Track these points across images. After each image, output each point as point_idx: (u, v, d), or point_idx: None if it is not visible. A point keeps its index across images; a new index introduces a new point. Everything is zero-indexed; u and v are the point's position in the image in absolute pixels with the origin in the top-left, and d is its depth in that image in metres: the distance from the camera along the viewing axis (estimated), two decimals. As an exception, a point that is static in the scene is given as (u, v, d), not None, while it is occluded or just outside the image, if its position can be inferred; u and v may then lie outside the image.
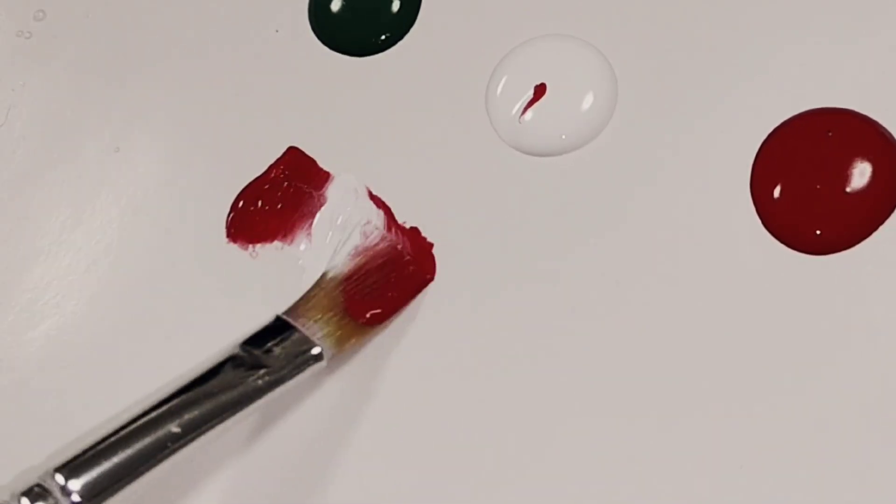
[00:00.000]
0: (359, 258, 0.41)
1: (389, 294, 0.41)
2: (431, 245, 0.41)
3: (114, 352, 0.43)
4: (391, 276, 0.41)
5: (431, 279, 0.41)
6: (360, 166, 0.43)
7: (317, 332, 0.39)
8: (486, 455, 0.38)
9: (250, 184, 0.44)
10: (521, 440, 0.38)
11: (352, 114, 0.44)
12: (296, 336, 0.39)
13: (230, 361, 0.38)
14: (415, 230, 0.41)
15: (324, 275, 0.41)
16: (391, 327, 0.41)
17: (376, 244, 0.41)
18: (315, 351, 0.39)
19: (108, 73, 0.47)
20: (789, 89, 0.39)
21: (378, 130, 0.43)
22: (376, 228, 0.41)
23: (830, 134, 0.38)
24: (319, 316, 0.40)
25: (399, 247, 0.41)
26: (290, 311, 0.40)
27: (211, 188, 0.44)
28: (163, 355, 0.42)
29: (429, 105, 0.43)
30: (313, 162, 0.43)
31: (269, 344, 0.38)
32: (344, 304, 0.40)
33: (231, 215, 0.44)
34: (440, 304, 0.40)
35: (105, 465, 0.35)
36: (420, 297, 0.41)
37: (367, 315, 0.40)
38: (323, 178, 0.43)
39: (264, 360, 0.38)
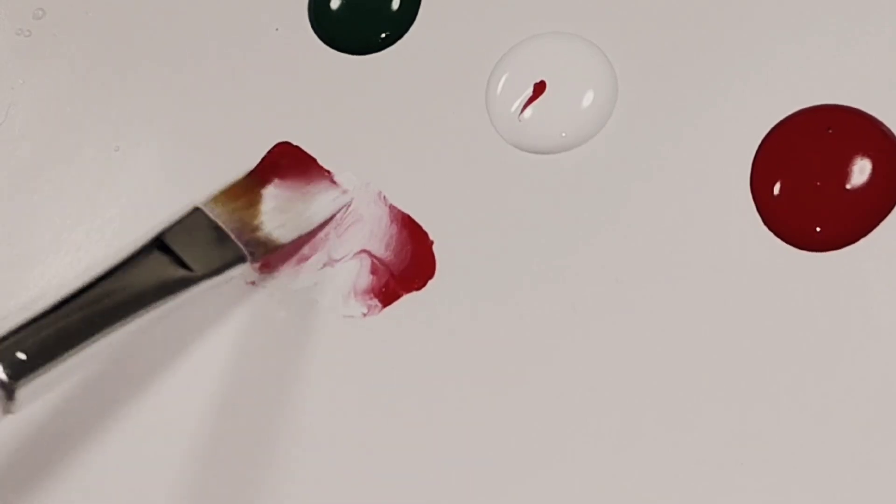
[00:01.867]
0: None
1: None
2: (431, 242, 0.41)
3: (113, 349, 0.43)
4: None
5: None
6: (360, 164, 0.43)
7: (227, 216, 0.40)
8: (485, 451, 0.38)
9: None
10: (521, 437, 0.38)
11: (352, 112, 0.44)
12: (214, 229, 0.39)
13: (146, 251, 0.38)
14: (417, 227, 0.41)
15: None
16: (391, 326, 0.41)
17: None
18: (238, 252, 0.39)
19: (108, 71, 0.47)
20: (789, 86, 0.39)
21: (378, 129, 0.43)
22: None
23: (830, 131, 0.38)
24: (233, 200, 0.41)
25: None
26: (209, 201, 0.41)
27: (210, 186, 0.44)
28: (163, 353, 0.42)
29: (429, 103, 0.43)
30: (313, 160, 0.43)
31: (188, 241, 0.39)
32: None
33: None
34: (439, 302, 0.40)
35: (25, 348, 0.35)
36: (419, 293, 0.41)
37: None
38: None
39: (184, 258, 0.39)
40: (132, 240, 0.39)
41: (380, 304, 0.41)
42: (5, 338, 0.35)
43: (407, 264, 0.41)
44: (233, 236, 0.40)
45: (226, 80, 0.46)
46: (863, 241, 0.37)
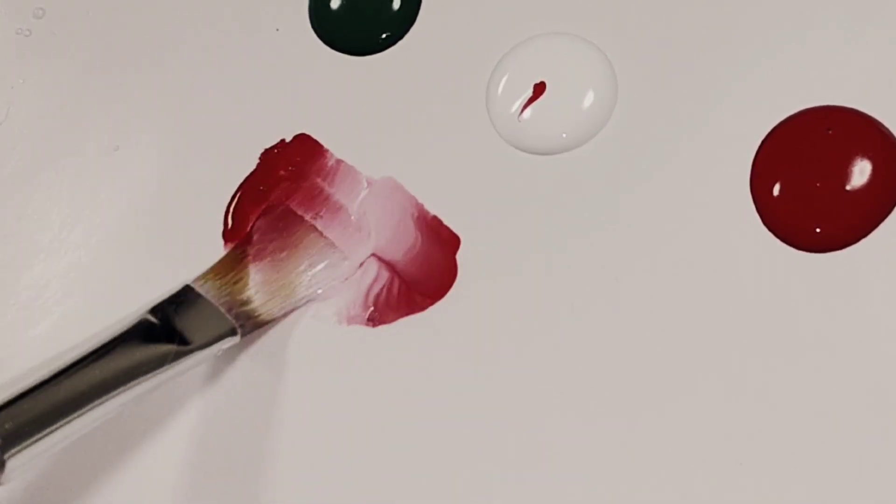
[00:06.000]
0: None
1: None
2: (458, 241, 0.41)
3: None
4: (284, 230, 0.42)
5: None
6: (360, 165, 0.43)
7: (216, 292, 0.40)
8: (486, 449, 0.38)
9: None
10: (519, 437, 0.38)
11: (352, 113, 0.44)
12: (204, 305, 0.39)
13: (138, 328, 0.38)
14: (447, 230, 0.41)
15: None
16: (390, 327, 0.41)
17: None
18: (228, 326, 0.39)
19: (108, 71, 0.47)
20: (789, 87, 0.39)
21: (378, 129, 0.43)
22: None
23: (830, 131, 0.38)
24: (221, 276, 0.40)
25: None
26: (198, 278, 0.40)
27: (210, 187, 0.44)
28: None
29: (429, 104, 0.43)
30: (301, 219, 0.43)
31: (179, 314, 0.39)
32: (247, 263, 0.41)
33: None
34: (437, 301, 0.40)
35: (16, 419, 0.35)
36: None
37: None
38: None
39: (176, 328, 0.39)
40: (123, 315, 0.39)
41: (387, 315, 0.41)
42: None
43: (424, 277, 0.41)
44: (223, 310, 0.40)
45: (226, 81, 0.46)
46: (863, 241, 0.37)
